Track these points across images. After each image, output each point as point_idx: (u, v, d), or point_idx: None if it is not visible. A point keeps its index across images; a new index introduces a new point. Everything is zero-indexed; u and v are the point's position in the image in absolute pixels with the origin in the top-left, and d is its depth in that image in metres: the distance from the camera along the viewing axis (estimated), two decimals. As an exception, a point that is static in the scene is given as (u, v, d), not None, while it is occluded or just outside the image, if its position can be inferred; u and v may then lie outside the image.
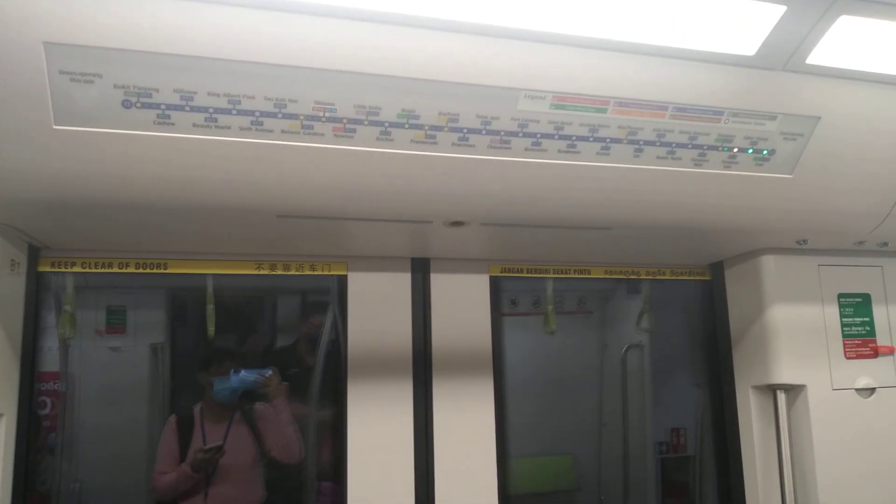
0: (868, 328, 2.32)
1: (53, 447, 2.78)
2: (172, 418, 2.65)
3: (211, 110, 1.39)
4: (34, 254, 1.93)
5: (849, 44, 1.55)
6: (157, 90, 1.35)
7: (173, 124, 1.39)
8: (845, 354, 2.28)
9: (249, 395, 2.64)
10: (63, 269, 1.99)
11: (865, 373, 2.27)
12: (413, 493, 2.09)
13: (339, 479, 2.26)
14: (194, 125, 1.40)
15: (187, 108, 1.38)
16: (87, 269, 1.99)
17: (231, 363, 2.60)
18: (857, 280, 2.35)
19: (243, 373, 2.56)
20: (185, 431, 2.61)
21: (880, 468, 2.22)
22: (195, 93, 1.37)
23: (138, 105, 1.36)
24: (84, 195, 1.51)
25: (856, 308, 2.33)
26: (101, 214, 1.64)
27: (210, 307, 2.19)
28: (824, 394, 2.22)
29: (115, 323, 3.21)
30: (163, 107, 1.37)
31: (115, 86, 1.32)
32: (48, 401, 2.82)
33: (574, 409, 3.91)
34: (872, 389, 2.27)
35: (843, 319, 2.30)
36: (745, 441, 2.36)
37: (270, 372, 2.57)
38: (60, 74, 1.29)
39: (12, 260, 1.79)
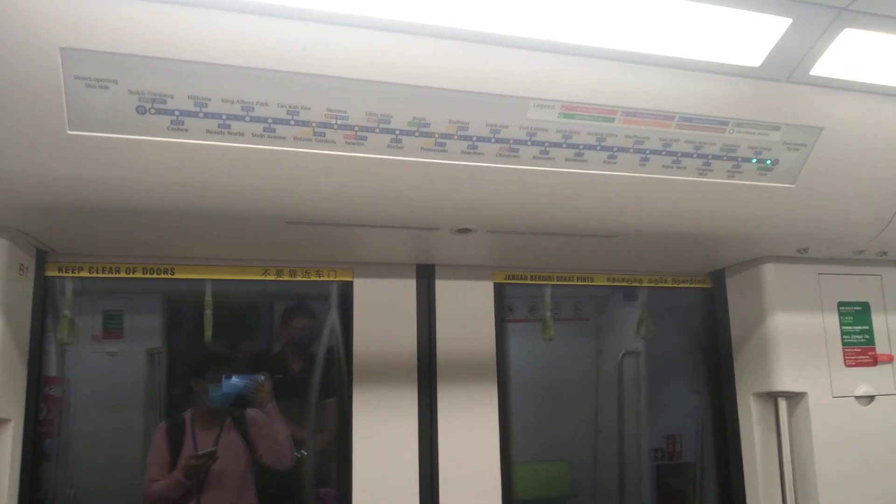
0: (867, 336, 2.34)
1: (49, 453, 2.76)
2: (162, 425, 2.64)
3: (224, 117, 1.40)
4: (41, 258, 1.92)
5: (852, 56, 1.58)
6: (172, 96, 1.35)
7: (187, 130, 1.40)
8: (845, 362, 2.30)
9: (242, 400, 2.63)
10: (70, 275, 1.99)
11: (865, 381, 2.29)
12: (418, 498, 2.09)
13: (340, 485, 2.26)
14: (207, 131, 1.41)
15: (201, 115, 1.39)
16: (95, 274, 1.99)
17: (223, 369, 2.60)
18: (856, 288, 2.37)
19: (235, 378, 2.56)
20: (175, 438, 2.59)
21: (880, 475, 2.24)
22: (209, 99, 1.37)
23: (152, 111, 1.36)
24: (96, 200, 1.51)
25: (855, 316, 2.35)
26: (111, 219, 1.64)
27: (208, 312, 2.18)
28: (824, 401, 2.23)
29: (112, 328, 3.20)
30: (176, 113, 1.37)
31: (130, 91, 1.33)
32: (44, 406, 2.80)
33: (569, 416, 3.92)
34: (872, 397, 2.29)
35: (843, 327, 2.32)
36: (745, 448, 2.38)
37: (262, 378, 2.57)
38: (76, 80, 1.29)
39: (20, 264, 1.78)
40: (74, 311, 2.09)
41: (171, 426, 2.61)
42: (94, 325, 3.18)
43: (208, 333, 2.21)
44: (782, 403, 2.23)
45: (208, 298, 2.18)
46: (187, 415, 2.64)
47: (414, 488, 2.09)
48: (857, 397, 2.27)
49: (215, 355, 2.75)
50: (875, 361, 2.32)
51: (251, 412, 2.64)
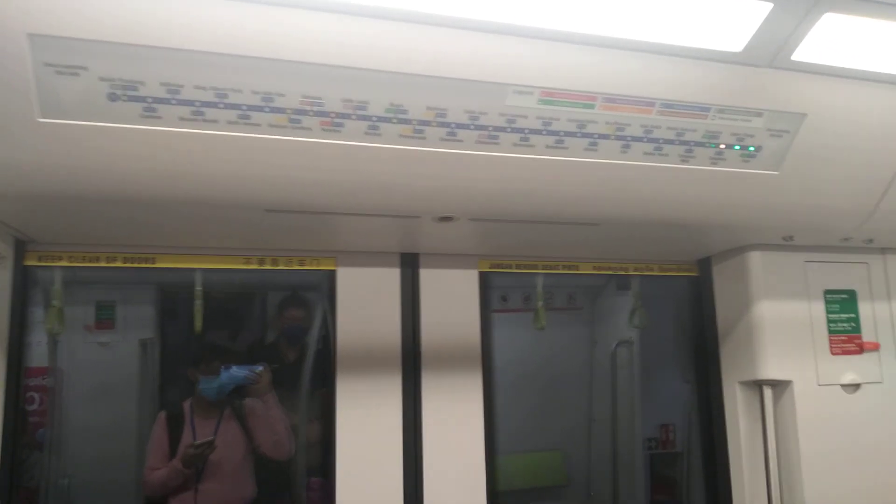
0: (854, 324, 2.34)
1: (42, 442, 2.77)
2: (162, 414, 2.65)
3: (198, 104, 1.38)
4: (20, 248, 1.91)
5: (833, 41, 1.56)
6: (143, 83, 1.34)
7: (160, 118, 1.38)
8: (831, 350, 2.29)
9: (240, 390, 2.63)
10: (49, 264, 1.98)
11: (851, 369, 2.29)
12: (402, 489, 2.09)
13: (327, 475, 2.26)
14: (181, 119, 1.39)
15: (174, 102, 1.37)
16: (74, 264, 1.98)
17: (221, 359, 2.60)
18: (843, 276, 2.36)
19: (234, 369, 2.56)
20: (174, 427, 2.61)
21: (865, 463, 2.24)
22: (182, 86, 1.36)
23: (124, 98, 1.35)
24: (70, 189, 1.50)
25: (842, 304, 2.34)
26: (87, 208, 1.63)
27: (198, 303, 2.17)
28: (810, 389, 2.23)
29: (105, 318, 3.21)
30: (149, 100, 1.36)
31: (101, 78, 1.31)
32: (36, 396, 2.81)
33: (564, 406, 3.93)
34: (857, 385, 2.28)
35: (829, 315, 2.31)
36: (731, 436, 2.38)
37: (261, 368, 2.57)
38: (45, 67, 1.28)
39: None
40: (66, 301, 2.09)
41: (170, 415, 2.63)
42: (87, 316, 3.18)
43: (198, 324, 2.20)
44: (767, 392, 2.23)
45: (198, 289, 2.17)
46: (187, 404, 2.65)
47: (398, 477, 2.09)
48: (842, 385, 2.27)
49: (212, 346, 2.76)
50: (861, 349, 2.31)
51: (250, 402, 2.65)
